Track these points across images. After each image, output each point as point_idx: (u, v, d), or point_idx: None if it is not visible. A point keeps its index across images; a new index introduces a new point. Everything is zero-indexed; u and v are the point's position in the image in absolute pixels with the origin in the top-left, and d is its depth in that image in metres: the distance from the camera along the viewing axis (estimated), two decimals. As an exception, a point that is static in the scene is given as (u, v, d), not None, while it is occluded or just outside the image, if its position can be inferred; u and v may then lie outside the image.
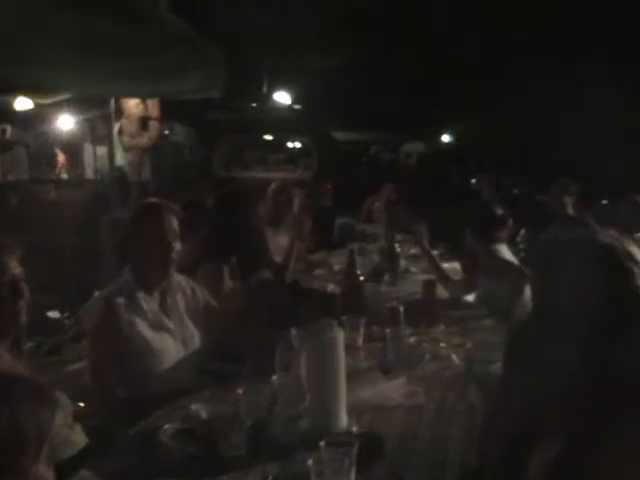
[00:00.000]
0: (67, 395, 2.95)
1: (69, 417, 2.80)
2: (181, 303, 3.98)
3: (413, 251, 7.60)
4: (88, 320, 3.80)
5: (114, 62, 5.43)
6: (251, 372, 3.22)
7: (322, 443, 2.24)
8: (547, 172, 11.51)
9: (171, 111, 11.81)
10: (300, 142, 16.41)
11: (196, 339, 3.98)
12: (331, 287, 5.87)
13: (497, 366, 3.33)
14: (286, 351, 3.07)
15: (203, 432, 2.72)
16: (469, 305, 5.43)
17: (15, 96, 8.59)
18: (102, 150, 10.79)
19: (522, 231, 8.10)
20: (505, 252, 5.63)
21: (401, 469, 2.50)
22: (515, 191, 14.46)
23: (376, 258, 6.90)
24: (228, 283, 4.99)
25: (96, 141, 11.32)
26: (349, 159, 19.25)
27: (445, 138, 23.31)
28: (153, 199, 4.08)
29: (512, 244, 6.63)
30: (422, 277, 5.86)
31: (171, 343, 3.81)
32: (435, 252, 6.63)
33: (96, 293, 4.68)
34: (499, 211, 5.68)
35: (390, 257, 6.39)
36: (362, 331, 4.05)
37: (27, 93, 8.41)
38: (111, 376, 3.62)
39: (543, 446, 2.14)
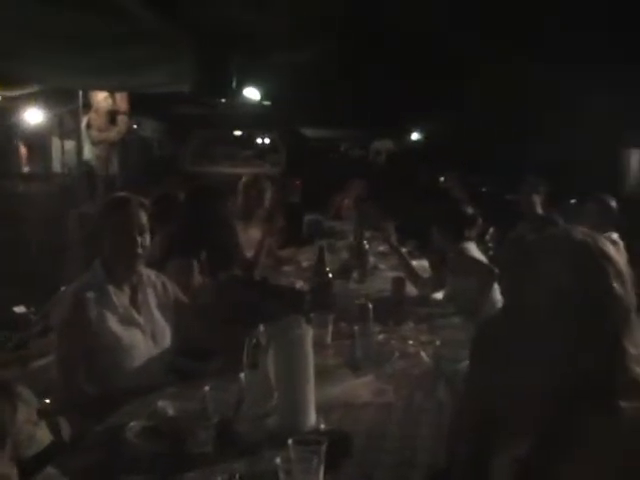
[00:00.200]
0: (33, 391, 2.91)
1: (34, 413, 2.77)
2: (152, 298, 3.95)
3: (382, 248, 7.60)
4: (56, 314, 3.77)
5: (83, 54, 5.39)
6: (218, 369, 3.20)
7: (290, 441, 2.22)
8: (515, 171, 11.56)
9: (140, 105, 11.75)
10: (269, 138, 16.39)
11: (167, 335, 3.95)
12: (299, 284, 5.87)
13: (465, 364, 3.34)
14: (254, 348, 3.04)
15: (169, 429, 2.70)
16: (437, 303, 5.44)
17: (-19, 88, 8.51)
18: (70, 144, 10.72)
19: (491, 230, 8.13)
20: (474, 250, 5.64)
21: (370, 468, 2.49)
22: (484, 189, 14.51)
23: (345, 255, 6.90)
24: (197, 278, 4.96)
25: (64, 135, 11.25)
26: (318, 156, 19.26)
27: (414, 136, 23.37)
28: (122, 193, 4.04)
29: (480, 243, 6.65)
30: (391, 274, 5.87)
31: (141, 339, 3.78)
32: (404, 249, 6.63)
33: (63, 287, 4.65)
34: (469, 210, 5.69)
35: (359, 254, 6.39)
36: (330, 328, 4.04)
37: (-6, 85, 8.33)
38: (79, 372, 3.59)
39: (511, 445, 2.14)
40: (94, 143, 11.05)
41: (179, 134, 15.43)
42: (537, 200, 8.15)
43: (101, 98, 10.72)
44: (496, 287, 5.34)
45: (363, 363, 3.62)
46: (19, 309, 6.22)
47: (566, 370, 2.03)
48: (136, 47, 5.58)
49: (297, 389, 2.80)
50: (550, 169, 10.89)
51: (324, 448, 2.22)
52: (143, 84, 6.83)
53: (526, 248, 2.25)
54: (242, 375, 3.01)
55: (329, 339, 4.00)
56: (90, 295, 3.63)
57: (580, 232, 2.16)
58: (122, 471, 2.41)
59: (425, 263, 6.85)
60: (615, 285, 2.01)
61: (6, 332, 5.39)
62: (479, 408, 2.21)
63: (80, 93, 8.21)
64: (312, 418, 2.82)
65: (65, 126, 11.02)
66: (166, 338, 3.95)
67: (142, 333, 3.80)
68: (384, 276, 6.26)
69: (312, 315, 3.94)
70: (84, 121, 9.80)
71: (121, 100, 10.95)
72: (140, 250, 3.78)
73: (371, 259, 6.74)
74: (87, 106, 10.02)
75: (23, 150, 11.55)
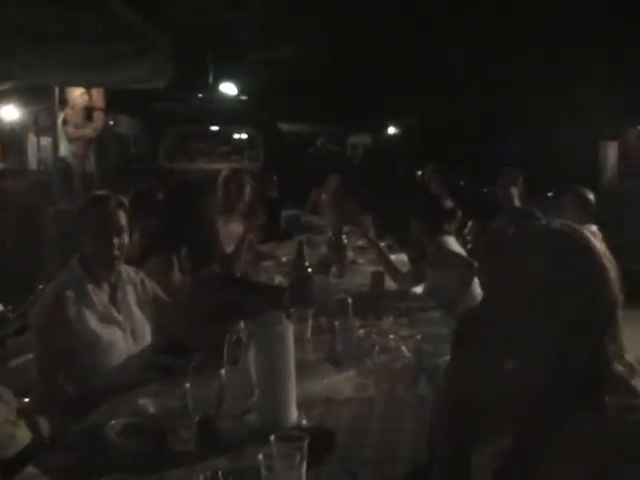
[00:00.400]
0: (11, 390, 2.89)
1: (13, 413, 2.75)
2: (131, 296, 3.94)
3: (360, 243, 7.59)
4: (35, 314, 3.73)
5: (59, 50, 5.36)
6: (199, 366, 3.19)
7: (272, 438, 2.21)
8: (492, 164, 11.61)
9: (116, 102, 11.70)
10: (246, 133, 16.33)
11: (146, 332, 3.94)
12: (279, 279, 5.86)
13: (446, 358, 3.34)
14: (234, 345, 3.03)
15: (150, 427, 2.69)
16: (417, 297, 5.44)
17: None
18: (46, 141, 10.65)
19: (469, 223, 8.15)
20: (453, 244, 5.65)
21: (352, 463, 2.48)
22: (462, 183, 14.54)
23: (323, 250, 6.88)
24: (177, 275, 4.94)
25: (40, 131, 11.18)
26: (295, 151, 19.24)
27: (391, 130, 23.40)
28: (101, 192, 4.01)
29: (459, 236, 6.66)
30: (370, 269, 5.85)
31: (120, 336, 3.76)
32: (382, 244, 6.62)
33: (41, 286, 4.62)
34: (448, 203, 5.71)
35: (338, 249, 6.37)
36: (310, 323, 4.03)
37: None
38: (59, 371, 3.57)
39: (491, 441, 2.13)
40: (70, 140, 10.99)
41: (156, 131, 15.35)
42: (515, 192, 8.17)
43: (77, 94, 10.66)
44: (476, 281, 5.36)
45: (344, 358, 3.62)
46: (-4, 307, 6.17)
47: (550, 365, 2.02)
48: (114, 43, 5.56)
49: (278, 385, 2.79)
50: (527, 162, 10.95)
51: (306, 444, 2.22)
52: (120, 80, 6.81)
53: (505, 240, 2.24)
54: (223, 372, 3.00)
55: (309, 334, 3.98)
56: (69, 294, 3.61)
57: (560, 223, 2.15)
58: (103, 470, 2.40)
59: (404, 257, 6.85)
60: (599, 277, 2.01)
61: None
62: (460, 403, 2.20)
63: (56, 89, 8.14)
64: (293, 414, 2.82)
65: (41, 123, 10.96)
66: (146, 336, 3.94)
67: (122, 331, 3.78)
68: (363, 271, 6.24)
69: (292, 310, 3.93)
70: (60, 117, 9.73)
71: (97, 96, 10.89)
72: (118, 252, 3.76)
73: (350, 254, 6.73)
74: (63, 102, 9.95)
75: (-2, 147, 11.48)
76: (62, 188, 8.71)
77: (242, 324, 3.08)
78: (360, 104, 16.44)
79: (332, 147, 22.41)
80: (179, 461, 2.49)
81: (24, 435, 2.77)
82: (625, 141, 15.18)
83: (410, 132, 21.48)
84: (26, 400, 3.44)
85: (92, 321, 3.65)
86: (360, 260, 6.96)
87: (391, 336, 3.94)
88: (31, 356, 3.81)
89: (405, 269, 6.06)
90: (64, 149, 10.35)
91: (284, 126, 19.39)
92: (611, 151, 16.04)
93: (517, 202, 8.10)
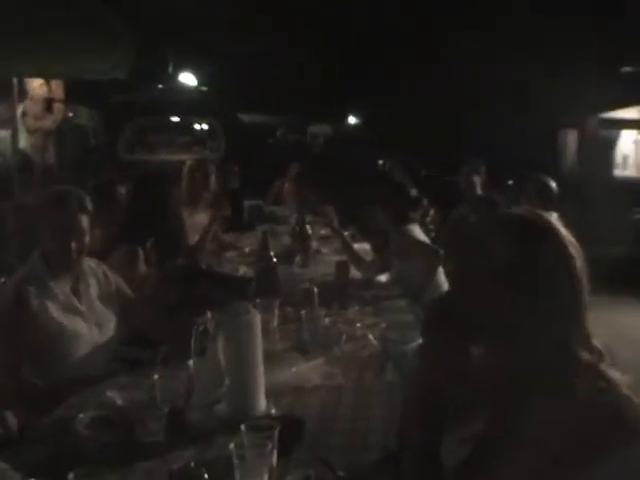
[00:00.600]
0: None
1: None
2: (94, 288, 3.92)
3: (324, 232, 7.60)
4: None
5: (19, 40, 5.30)
6: (166, 357, 3.18)
7: (243, 427, 2.22)
8: (453, 153, 11.65)
9: (75, 93, 11.61)
10: (207, 124, 16.26)
11: (111, 324, 3.93)
12: (243, 270, 5.86)
13: (413, 346, 3.36)
14: (201, 335, 3.02)
15: (119, 419, 2.68)
16: (382, 285, 5.46)
17: None
18: (5, 133, 10.53)
19: (431, 211, 8.18)
20: (418, 232, 5.68)
21: (322, 451, 2.48)
22: (423, 172, 14.58)
23: (286, 240, 6.88)
24: (142, 267, 4.92)
25: (-1, 123, 11.07)
26: (256, 141, 19.19)
27: (351, 120, 23.43)
28: (62, 187, 3.96)
29: (421, 225, 6.68)
30: (334, 258, 5.86)
31: (84, 327, 3.74)
32: (346, 233, 6.63)
33: (2, 279, 4.58)
34: (413, 192, 5.74)
35: (302, 238, 6.38)
36: (276, 313, 4.03)
37: None
38: (23, 364, 3.55)
39: (460, 426, 2.15)
40: (30, 131, 10.89)
41: (115, 122, 15.25)
42: (477, 181, 8.25)
43: (37, 85, 10.57)
44: (441, 269, 5.39)
45: (311, 347, 3.63)
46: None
47: (517, 350, 2.04)
48: (74, 34, 5.51)
49: (247, 374, 2.79)
50: (488, 151, 11.00)
51: (277, 433, 2.22)
52: (81, 71, 6.75)
53: (468, 228, 2.25)
54: (190, 363, 2.99)
55: (275, 324, 3.98)
56: (31, 287, 3.59)
57: (524, 210, 2.17)
58: (73, 463, 2.38)
59: (367, 246, 6.86)
60: (564, 263, 2.02)
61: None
62: (431, 392, 2.21)
63: (15, 81, 8.05)
64: (262, 403, 2.82)
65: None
66: (110, 327, 3.92)
67: (85, 322, 3.77)
68: (327, 260, 6.25)
69: (257, 300, 3.92)
70: (19, 109, 9.64)
71: (57, 88, 10.81)
72: (76, 255, 3.73)
73: (313, 243, 6.74)
74: (22, 94, 9.85)
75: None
76: (22, 180, 8.62)
77: (209, 314, 3.07)
78: (320, 94, 16.44)
79: (292, 137, 22.39)
80: (148, 452, 2.48)
81: (-10, 430, 2.74)
82: (584, 129, 15.33)
83: (370, 122, 21.51)
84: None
85: (55, 312, 3.64)
86: (324, 250, 6.97)
87: (358, 324, 3.96)
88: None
89: (368, 258, 6.07)
90: (23, 141, 10.26)
91: (245, 117, 19.34)
92: (571, 139, 16.18)
93: (479, 190, 8.16)
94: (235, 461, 2.14)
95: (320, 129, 22.21)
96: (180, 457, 2.42)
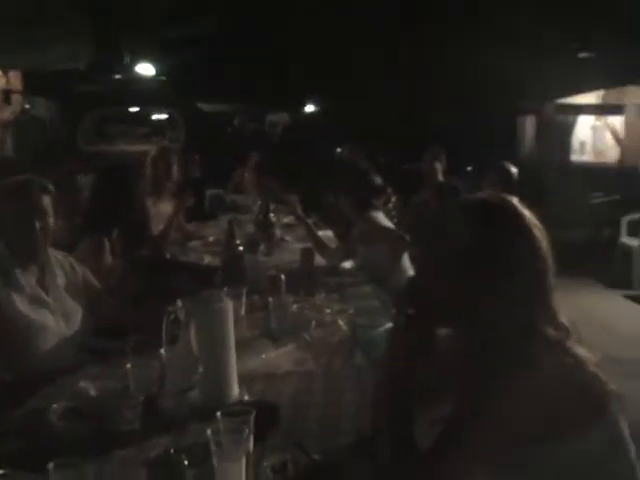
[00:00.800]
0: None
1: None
2: (61, 280, 3.89)
3: (287, 220, 7.62)
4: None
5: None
6: (137, 347, 3.18)
7: (219, 414, 2.23)
8: (412, 140, 11.70)
9: (32, 84, 11.50)
10: (166, 114, 16.18)
11: (78, 315, 3.90)
12: (208, 259, 5.86)
13: (380, 331, 3.39)
14: (172, 324, 3.03)
15: (92, 409, 2.68)
16: (347, 272, 5.48)
17: None
18: (-37, 124, 10.45)
19: (393, 198, 8.22)
20: (382, 219, 5.70)
21: (297, 436, 2.50)
22: (381, 160, 14.62)
23: (250, 228, 6.88)
24: (108, 258, 4.90)
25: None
26: (216, 130, 19.12)
27: (309, 108, 23.39)
28: (22, 176, 3.93)
29: (384, 212, 6.71)
30: (298, 246, 5.89)
31: (51, 319, 3.72)
32: (309, 221, 6.65)
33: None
34: (377, 179, 5.75)
35: (265, 227, 6.39)
36: (244, 301, 4.05)
37: None
38: None
39: (428, 408, 2.18)
40: (-12, 123, 10.81)
41: (73, 113, 15.12)
42: (439, 167, 8.37)
43: (-6, 77, 10.47)
44: (406, 254, 5.43)
45: (280, 334, 3.65)
46: None
47: (484, 330, 2.07)
48: (32, 25, 5.47)
49: (220, 362, 2.81)
50: (446, 137, 11.06)
51: (253, 418, 2.24)
52: (39, 62, 6.71)
53: (432, 213, 2.29)
54: (162, 351, 3.00)
55: (243, 312, 4.00)
56: None
57: (487, 194, 2.21)
58: (48, 454, 2.38)
59: (330, 234, 6.88)
60: (528, 244, 2.06)
61: None
62: (400, 376, 2.23)
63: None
64: (235, 390, 2.84)
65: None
66: (78, 319, 3.90)
67: (52, 314, 3.74)
68: (291, 248, 6.27)
69: (225, 289, 3.93)
70: (-23, 101, 9.56)
71: (15, 79, 10.70)
72: (42, 239, 3.71)
73: (277, 231, 6.75)
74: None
75: None
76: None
77: (179, 303, 3.08)
78: (277, 82, 16.39)
79: (250, 125, 22.30)
80: (124, 441, 2.48)
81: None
82: (542, 114, 15.45)
83: (328, 110, 21.47)
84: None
85: (22, 304, 3.60)
86: (287, 237, 6.99)
87: (327, 310, 3.98)
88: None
89: (333, 245, 6.09)
90: (-19, 133, 10.18)
91: (204, 106, 19.26)
92: (529, 125, 16.31)
93: (441, 177, 8.26)
94: (213, 447, 2.15)
95: (279, 118, 22.17)
96: (156, 444, 2.43)
